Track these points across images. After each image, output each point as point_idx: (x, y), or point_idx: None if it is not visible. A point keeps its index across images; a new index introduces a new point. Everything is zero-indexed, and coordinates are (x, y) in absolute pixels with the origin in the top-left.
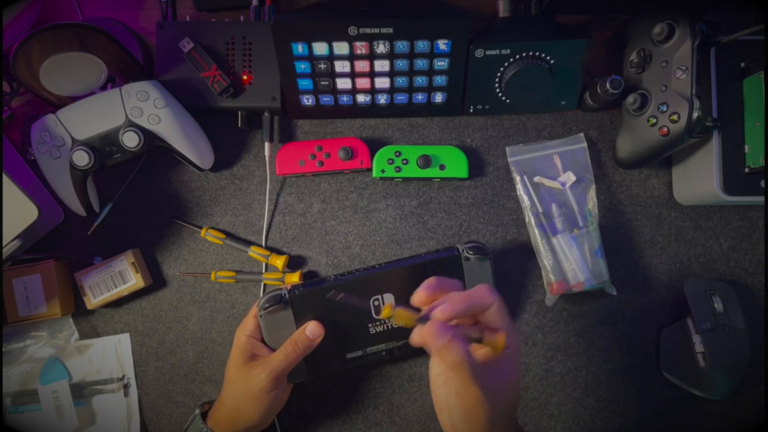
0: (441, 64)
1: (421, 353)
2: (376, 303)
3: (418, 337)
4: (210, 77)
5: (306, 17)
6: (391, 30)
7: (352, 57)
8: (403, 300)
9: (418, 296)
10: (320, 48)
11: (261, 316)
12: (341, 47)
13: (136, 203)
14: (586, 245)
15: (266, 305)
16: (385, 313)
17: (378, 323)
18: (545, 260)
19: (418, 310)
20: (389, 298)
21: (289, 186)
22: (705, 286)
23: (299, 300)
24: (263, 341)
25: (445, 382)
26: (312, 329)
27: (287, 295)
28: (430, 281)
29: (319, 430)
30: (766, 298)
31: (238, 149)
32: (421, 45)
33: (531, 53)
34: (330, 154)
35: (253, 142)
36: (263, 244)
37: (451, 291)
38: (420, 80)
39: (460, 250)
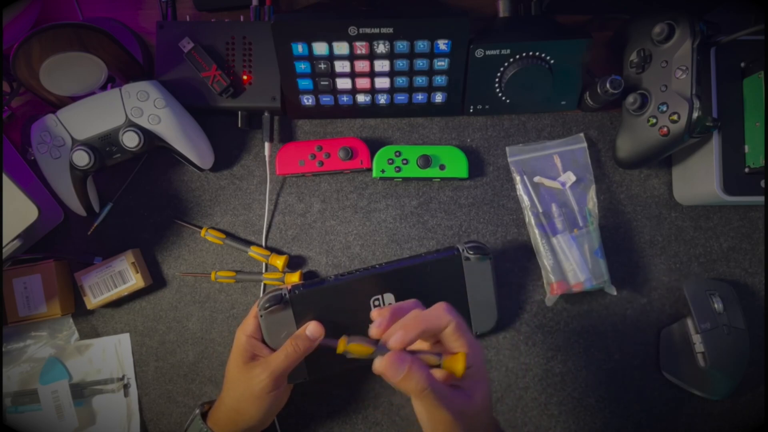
0: (441, 64)
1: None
2: (377, 303)
3: (378, 367)
4: (210, 77)
5: (306, 17)
6: (391, 30)
7: (352, 57)
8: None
9: (373, 330)
10: (320, 48)
11: (261, 316)
12: (341, 47)
13: (136, 203)
14: (586, 245)
15: (266, 305)
16: (339, 347)
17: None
18: (545, 260)
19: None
20: (389, 298)
21: (289, 186)
22: (705, 286)
23: (299, 300)
24: (263, 341)
25: (417, 410)
26: (312, 329)
27: (287, 295)
28: (382, 312)
29: (319, 430)
30: (766, 298)
31: (238, 149)
32: (421, 45)
33: (531, 53)
34: (330, 154)
35: (253, 142)
36: (263, 244)
37: (409, 313)
38: (420, 80)
39: (460, 250)
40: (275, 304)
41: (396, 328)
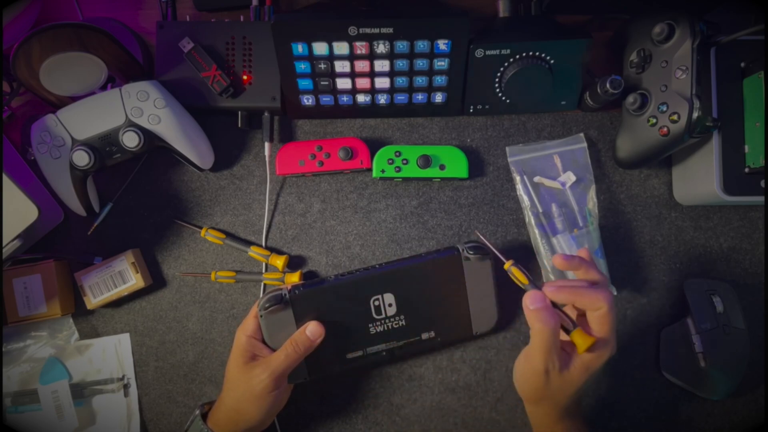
0: (441, 64)
1: (422, 354)
2: (377, 303)
3: (525, 296)
4: (210, 77)
5: (306, 17)
6: (391, 30)
7: (352, 57)
8: (404, 300)
9: (557, 260)
10: (320, 48)
11: (261, 316)
12: (341, 47)
13: (136, 203)
14: (586, 245)
15: (267, 305)
16: (506, 265)
17: (378, 324)
18: (545, 260)
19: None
20: (390, 298)
21: (289, 186)
22: (705, 286)
23: (300, 300)
24: (263, 341)
25: (528, 347)
26: (312, 329)
27: (288, 295)
28: (575, 258)
29: (319, 430)
30: (766, 298)
31: (238, 149)
32: (421, 45)
33: (531, 53)
34: (330, 154)
35: (253, 142)
36: (263, 244)
37: (591, 272)
38: (420, 80)
39: (460, 250)
40: (275, 304)
41: (558, 282)
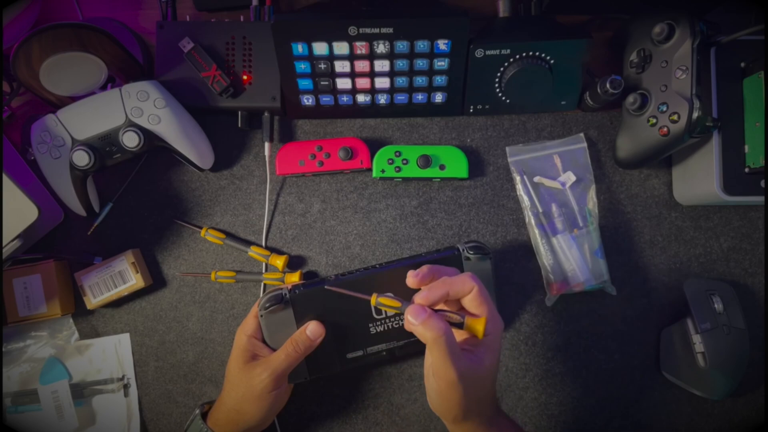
0: (441, 64)
1: (422, 353)
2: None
3: (406, 316)
4: (210, 77)
5: (306, 17)
6: (391, 30)
7: (352, 57)
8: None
9: (409, 280)
10: (320, 48)
11: (262, 316)
12: (341, 47)
13: (136, 203)
14: (586, 245)
15: (267, 305)
16: (372, 301)
17: (379, 323)
18: (545, 260)
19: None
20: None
21: (289, 186)
22: (705, 286)
23: (300, 300)
24: (264, 341)
25: (429, 364)
26: (313, 329)
27: (288, 295)
28: (422, 269)
29: (319, 430)
30: (766, 298)
31: (238, 149)
32: (421, 45)
33: (531, 53)
34: (330, 154)
35: (253, 142)
36: (263, 244)
37: (440, 272)
38: (420, 80)
39: (461, 250)
40: (275, 303)
41: (424, 288)
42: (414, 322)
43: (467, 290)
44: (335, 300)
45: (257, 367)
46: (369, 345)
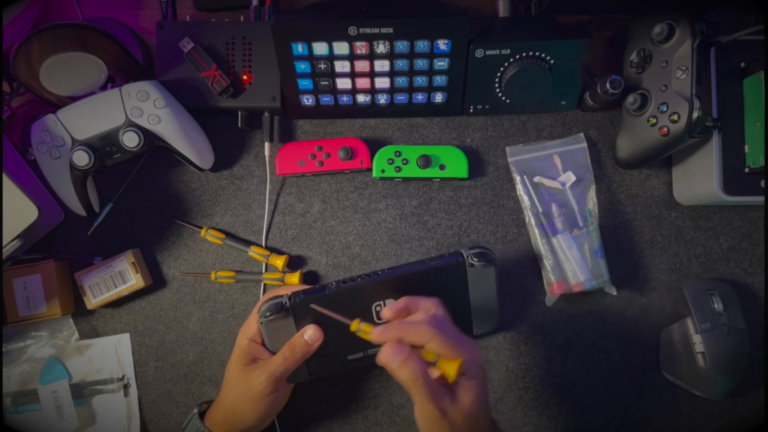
0: (441, 64)
1: None
2: (378, 309)
3: (380, 355)
4: (210, 77)
5: (306, 17)
6: (391, 30)
7: (352, 57)
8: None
9: (384, 313)
10: (320, 48)
11: (262, 323)
12: (341, 47)
13: (136, 203)
14: (586, 245)
15: (267, 314)
16: (353, 326)
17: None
18: (545, 260)
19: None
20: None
21: (289, 186)
22: (705, 286)
23: (300, 307)
24: (264, 344)
25: (413, 401)
26: (311, 334)
27: (288, 303)
28: (399, 303)
29: (319, 430)
30: (766, 298)
31: (238, 149)
32: (421, 45)
33: (531, 53)
34: (330, 154)
35: (253, 142)
36: (263, 244)
37: (420, 309)
38: (420, 80)
39: (465, 256)
40: (275, 312)
41: (380, 327)
42: (393, 363)
43: (422, 341)
44: (336, 304)
45: (255, 370)
46: (369, 347)
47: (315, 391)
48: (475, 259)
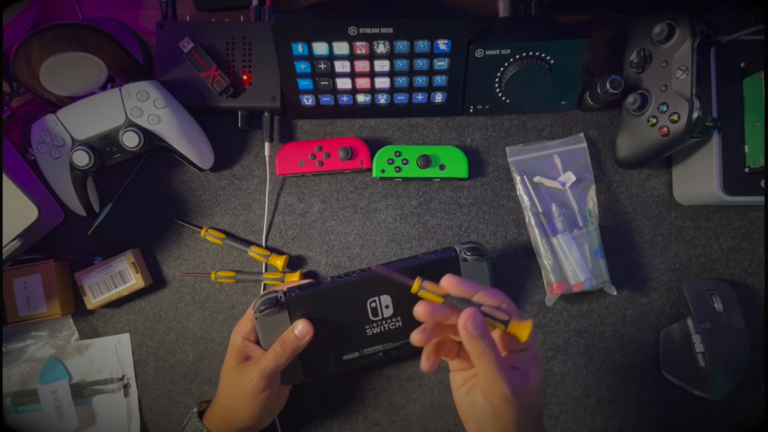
0: (441, 64)
1: (419, 355)
2: (373, 305)
3: (462, 319)
4: (210, 77)
5: (306, 17)
6: (391, 30)
7: (352, 57)
8: (401, 302)
9: (445, 281)
10: (320, 48)
11: (257, 318)
12: (341, 47)
13: (136, 203)
14: (586, 245)
15: (261, 308)
16: (414, 287)
17: (375, 325)
18: (545, 260)
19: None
20: (386, 300)
21: (289, 186)
22: (705, 286)
23: (295, 302)
24: (258, 343)
25: (471, 388)
26: (301, 329)
27: (283, 298)
28: (454, 276)
29: (319, 430)
30: (766, 298)
31: (238, 149)
32: (421, 45)
33: (531, 53)
34: (330, 154)
35: (253, 142)
36: (263, 244)
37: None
38: (420, 80)
39: (458, 251)
40: (270, 307)
41: (479, 288)
42: (473, 329)
43: (496, 301)
44: (331, 302)
45: (247, 368)
46: (365, 346)
47: (315, 391)
48: (468, 254)
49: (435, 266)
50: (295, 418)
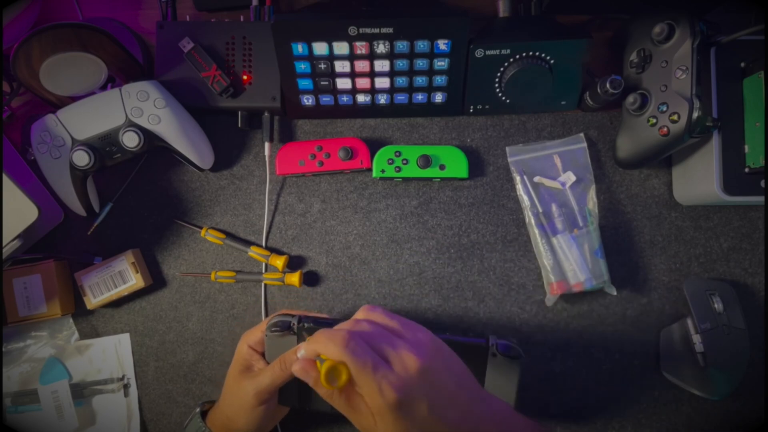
0: (441, 64)
1: None
2: None
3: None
4: (210, 77)
5: (306, 17)
6: (391, 30)
7: (352, 57)
8: None
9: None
10: (320, 48)
11: (267, 335)
12: (341, 47)
13: (136, 203)
14: (586, 245)
15: (274, 329)
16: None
17: None
18: (545, 260)
19: None
20: None
21: (289, 186)
22: (705, 286)
23: (306, 332)
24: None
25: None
26: (303, 353)
27: (295, 327)
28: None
29: (319, 430)
30: (766, 298)
31: (238, 149)
32: (421, 45)
33: (531, 53)
34: (330, 154)
35: (253, 142)
36: (263, 244)
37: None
38: (420, 80)
39: (489, 344)
40: (281, 329)
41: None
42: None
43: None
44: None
45: (245, 380)
46: None
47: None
48: (499, 350)
49: (460, 349)
50: (295, 418)
